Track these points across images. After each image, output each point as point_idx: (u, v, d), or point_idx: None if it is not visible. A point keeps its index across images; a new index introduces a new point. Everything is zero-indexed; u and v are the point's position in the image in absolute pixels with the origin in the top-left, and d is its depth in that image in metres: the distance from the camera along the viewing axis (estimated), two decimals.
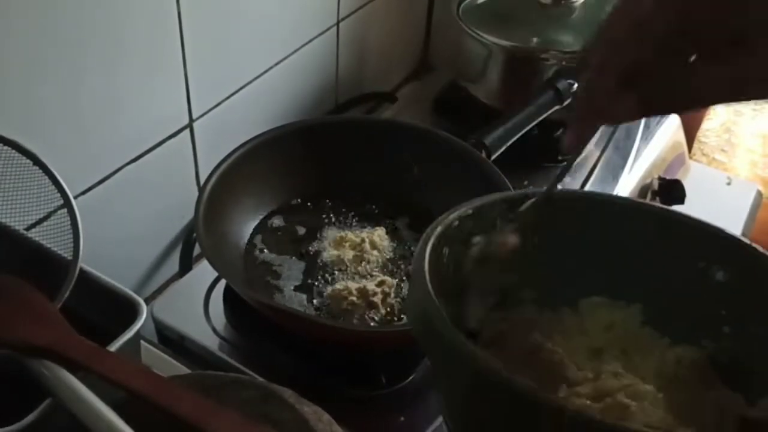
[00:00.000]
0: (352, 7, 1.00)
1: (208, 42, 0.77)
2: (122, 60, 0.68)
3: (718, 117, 1.26)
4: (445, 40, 1.17)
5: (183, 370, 0.66)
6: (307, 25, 0.93)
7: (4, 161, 0.57)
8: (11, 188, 0.58)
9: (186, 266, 0.81)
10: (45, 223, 0.59)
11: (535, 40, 0.93)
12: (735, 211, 1.04)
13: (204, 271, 0.75)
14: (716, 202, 1.05)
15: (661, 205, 0.66)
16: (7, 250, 0.57)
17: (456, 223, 0.50)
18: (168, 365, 0.66)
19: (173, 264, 0.85)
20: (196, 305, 0.71)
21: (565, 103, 0.84)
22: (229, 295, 0.71)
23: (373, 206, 0.79)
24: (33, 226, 0.59)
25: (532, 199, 0.52)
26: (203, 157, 0.84)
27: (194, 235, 0.84)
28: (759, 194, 1.08)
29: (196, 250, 0.85)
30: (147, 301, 0.59)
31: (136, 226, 0.78)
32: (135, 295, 0.54)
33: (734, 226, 0.89)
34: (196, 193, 0.86)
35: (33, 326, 0.51)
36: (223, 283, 0.73)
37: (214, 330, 0.69)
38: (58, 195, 0.57)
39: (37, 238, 0.58)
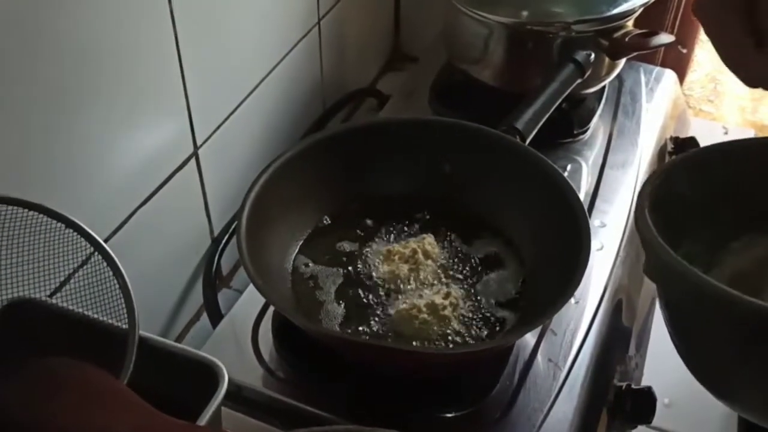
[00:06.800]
0: (330, 4, 0.94)
1: (205, 63, 0.71)
2: (128, 99, 0.61)
3: (702, 68, 1.25)
4: (426, 24, 1.12)
5: (253, 422, 0.60)
6: (292, 29, 0.88)
7: (31, 227, 0.50)
8: (40, 256, 0.51)
9: (212, 304, 0.75)
10: (73, 287, 0.53)
11: (524, 13, 0.88)
12: None
13: (243, 312, 0.69)
14: None
15: None
16: (50, 327, 0.50)
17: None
18: (233, 419, 0.60)
19: (194, 302, 0.79)
20: (243, 350, 0.65)
21: (586, 75, 0.80)
22: (281, 333, 0.65)
23: (409, 213, 0.74)
24: (58, 290, 0.53)
25: None
26: (209, 185, 0.78)
27: (213, 269, 0.78)
28: None
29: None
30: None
31: (152, 269, 0.71)
32: (212, 358, 0.48)
33: None
34: (206, 224, 0.81)
35: (109, 413, 0.44)
36: (266, 321, 0.67)
37: (272, 373, 0.63)
38: (87, 258, 0.51)
39: (78, 309, 0.51)
